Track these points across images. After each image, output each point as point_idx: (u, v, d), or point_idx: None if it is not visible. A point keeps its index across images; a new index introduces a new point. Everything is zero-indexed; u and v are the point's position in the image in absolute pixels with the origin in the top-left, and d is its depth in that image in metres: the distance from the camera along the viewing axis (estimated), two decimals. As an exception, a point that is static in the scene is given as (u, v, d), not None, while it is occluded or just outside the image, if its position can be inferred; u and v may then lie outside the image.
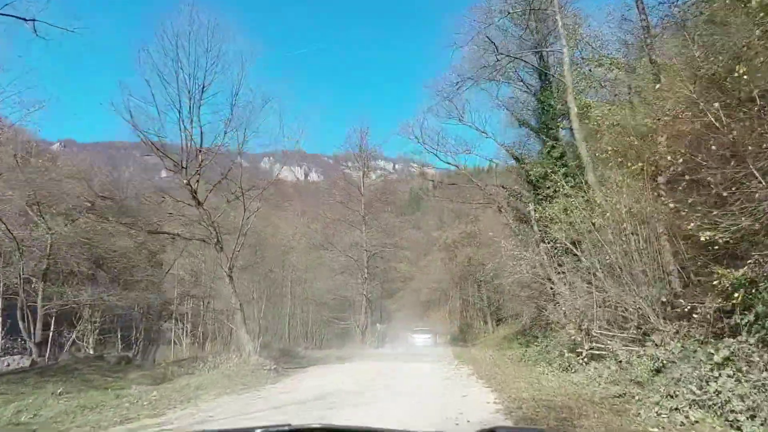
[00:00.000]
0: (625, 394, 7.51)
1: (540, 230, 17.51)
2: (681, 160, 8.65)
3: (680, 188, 8.86)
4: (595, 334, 10.18)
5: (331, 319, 33.07)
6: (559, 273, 17.78)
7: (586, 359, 10.17)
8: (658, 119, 9.94)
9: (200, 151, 12.55)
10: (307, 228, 32.92)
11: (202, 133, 12.72)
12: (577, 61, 18.27)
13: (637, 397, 7.15)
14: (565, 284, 17.68)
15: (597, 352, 10.24)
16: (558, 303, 17.07)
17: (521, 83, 19.93)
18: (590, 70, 17.73)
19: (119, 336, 24.19)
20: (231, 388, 9.18)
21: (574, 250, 13.79)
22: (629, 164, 11.26)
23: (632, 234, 10.99)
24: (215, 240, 12.18)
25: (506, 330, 41.52)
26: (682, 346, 7.78)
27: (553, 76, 19.92)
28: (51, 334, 18.26)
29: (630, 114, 12.59)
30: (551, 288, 18.79)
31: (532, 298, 27.53)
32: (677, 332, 8.42)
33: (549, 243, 16.90)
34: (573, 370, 10.62)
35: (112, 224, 16.40)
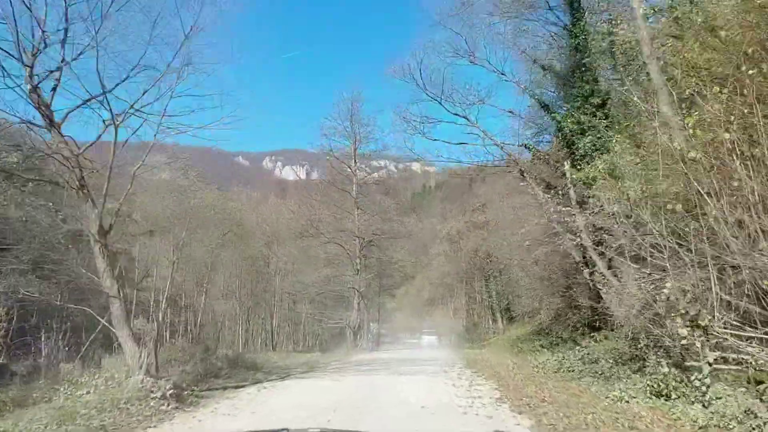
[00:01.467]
0: None
1: (577, 195, 13.19)
2: None
3: None
4: (718, 333, 5.85)
5: (320, 317, 28.86)
6: (606, 250, 13.45)
7: (706, 379, 5.82)
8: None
9: (63, 42, 8.12)
10: (291, 213, 28.63)
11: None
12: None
13: None
14: (614, 267, 13.36)
15: (726, 367, 5.92)
16: (608, 291, 12.78)
17: (546, 15, 15.61)
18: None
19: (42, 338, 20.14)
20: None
21: (644, 216, 9.50)
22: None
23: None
24: (78, 183, 7.83)
25: (519, 329, 37.13)
26: None
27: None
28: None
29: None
30: (592, 272, 14.44)
31: (557, 289, 23.21)
32: None
33: (593, 211, 12.59)
34: (677, 396, 6.27)
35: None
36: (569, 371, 11.12)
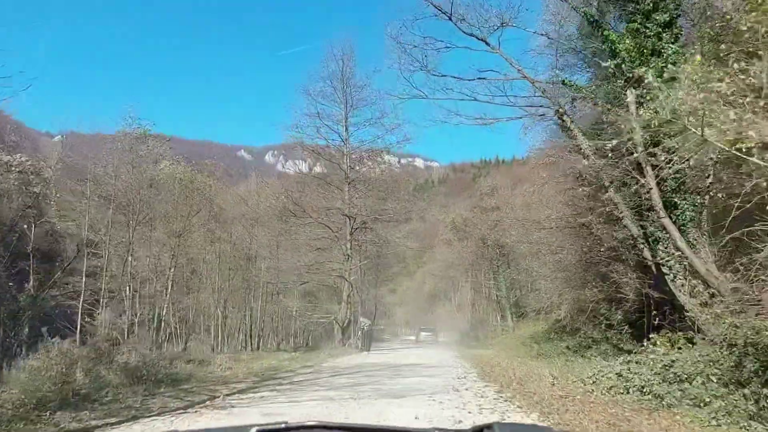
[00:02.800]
0: None
1: (644, 140, 9.30)
2: None
3: None
4: None
5: (302, 310, 24.93)
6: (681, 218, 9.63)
7: None
8: None
9: None
10: (271, 189, 24.62)
11: None
12: None
13: None
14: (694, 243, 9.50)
15: None
16: (680, 279, 9.12)
17: None
18: None
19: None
20: None
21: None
22: None
23: None
24: None
25: (531, 327, 33.22)
26: None
27: None
28: None
29: None
30: (653, 254, 10.50)
31: (586, 280, 19.27)
32: None
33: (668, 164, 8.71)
34: None
35: None
36: (648, 394, 7.19)
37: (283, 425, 1.31)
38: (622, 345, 15.73)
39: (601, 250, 17.06)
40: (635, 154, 9.59)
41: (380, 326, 68.67)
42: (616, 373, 8.77)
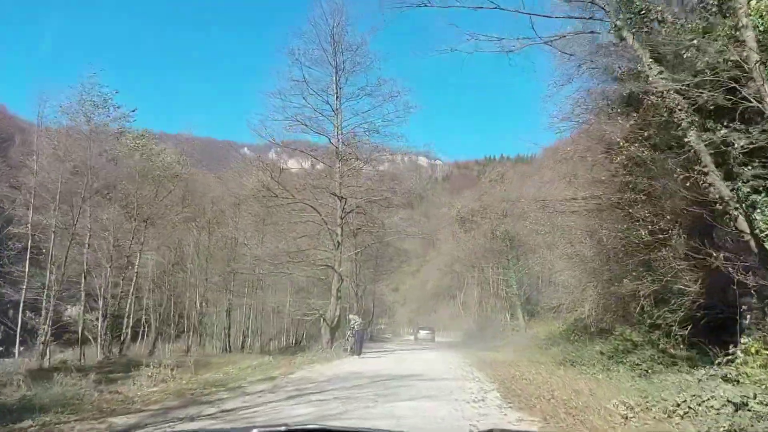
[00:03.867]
0: None
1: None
2: None
3: None
4: None
5: (286, 306, 21.73)
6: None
7: None
8: None
9: None
10: (250, 166, 21.35)
11: None
12: None
13: None
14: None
15: None
16: None
17: None
18: None
19: None
20: None
21: None
22: None
23: None
24: None
25: (545, 326, 29.99)
26: None
27: None
28: None
29: None
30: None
31: (622, 272, 16.06)
32: None
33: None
34: None
35: None
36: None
37: (283, 428, 1.37)
38: (675, 351, 12.55)
39: (644, 233, 13.80)
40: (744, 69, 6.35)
41: (381, 325, 65.68)
42: (728, 401, 5.57)
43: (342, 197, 19.03)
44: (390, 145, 20.18)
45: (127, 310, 20.45)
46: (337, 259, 19.45)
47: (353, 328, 16.73)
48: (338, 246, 19.55)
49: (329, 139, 19.60)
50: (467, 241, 35.67)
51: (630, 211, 14.21)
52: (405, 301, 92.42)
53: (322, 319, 19.04)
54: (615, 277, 18.03)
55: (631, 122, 10.08)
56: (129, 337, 20.90)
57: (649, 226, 13.16)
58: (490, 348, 28.81)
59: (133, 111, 20.88)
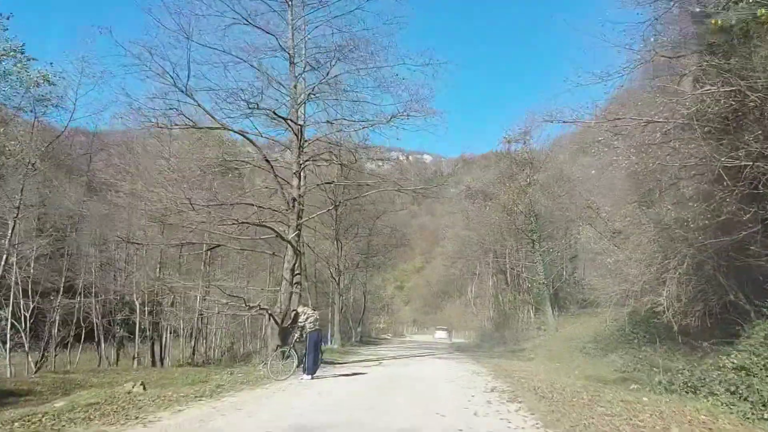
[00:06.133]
0: None
1: None
2: None
3: None
4: None
5: (203, 295, 14.87)
6: None
7: None
8: None
9: None
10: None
11: None
12: None
13: None
14: None
15: None
16: None
17: None
18: None
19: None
20: None
21: None
22: None
23: None
24: None
25: (582, 325, 23.15)
26: None
27: None
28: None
29: None
30: None
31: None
32: None
33: None
34: None
35: None
36: None
37: None
38: None
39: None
40: None
41: (380, 324, 58.95)
42: None
43: (297, 123, 12.25)
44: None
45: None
46: (292, 222, 12.69)
47: (302, 328, 10.05)
48: (293, 204, 12.81)
49: (277, 39, 12.81)
50: (480, 218, 28.74)
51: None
52: (409, 299, 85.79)
53: (268, 317, 12.29)
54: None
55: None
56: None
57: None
58: (515, 353, 22.03)
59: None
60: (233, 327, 21.79)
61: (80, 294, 16.64)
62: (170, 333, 18.74)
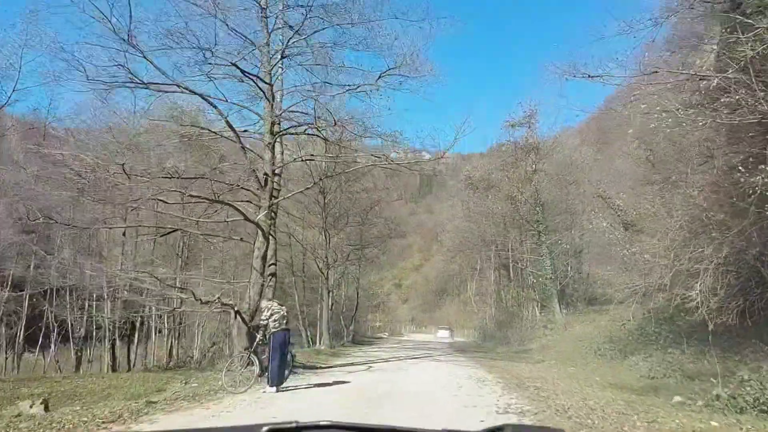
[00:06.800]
0: None
1: None
2: None
3: None
4: None
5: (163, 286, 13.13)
6: None
7: None
8: None
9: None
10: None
11: None
12: None
13: None
14: None
15: None
16: None
17: None
18: None
19: None
20: None
21: None
22: None
23: None
24: None
25: (593, 323, 21.22)
26: None
27: None
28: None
29: None
30: None
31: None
32: None
33: None
34: None
35: None
36: None
37: (294, 424, 1.30)
38: None
39: None
40: None
41: (377, 322, 57.02)
42: None
43: (268, 83, 10.30)
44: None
45: None
46: (264, 203, 10.73)
47: (266, 326, 8.12)
48: (265, 181, 10.84)
49: (262, 6, 10.85)
50: (481, 209, 26.77)
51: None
52: (407, 297, 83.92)
53: (234, 314, 10.34)
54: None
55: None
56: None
57: None
58: (521, 354, 20.11)
59: None
60: (213, 326, 19.81)
61: (26, 288, 14.69)
62: (139, 333, 16.78)
